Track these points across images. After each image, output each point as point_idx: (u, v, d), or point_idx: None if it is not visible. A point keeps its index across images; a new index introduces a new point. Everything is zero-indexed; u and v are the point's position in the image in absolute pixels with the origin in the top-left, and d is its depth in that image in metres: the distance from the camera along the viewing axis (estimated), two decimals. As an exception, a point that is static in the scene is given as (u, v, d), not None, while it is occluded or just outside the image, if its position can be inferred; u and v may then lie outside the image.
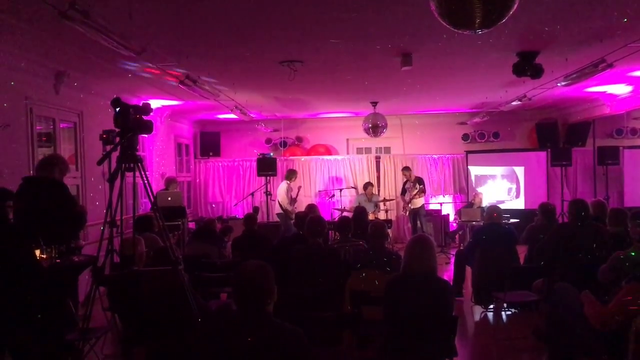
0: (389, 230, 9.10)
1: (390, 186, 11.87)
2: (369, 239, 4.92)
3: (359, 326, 3.97)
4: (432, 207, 11.28)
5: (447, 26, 3.31)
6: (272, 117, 11.70)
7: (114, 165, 3.75)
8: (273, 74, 6.87)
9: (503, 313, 6.14)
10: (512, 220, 8.78)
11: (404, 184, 10.63)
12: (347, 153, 12.80)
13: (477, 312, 6.23)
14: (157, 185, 9.38)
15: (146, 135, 8.40)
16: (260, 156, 11.03)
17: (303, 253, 4.62)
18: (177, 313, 3.59)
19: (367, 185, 10.73)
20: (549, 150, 11.16)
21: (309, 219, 4.89)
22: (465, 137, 12.35)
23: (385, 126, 9.73)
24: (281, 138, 12.41)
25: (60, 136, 6.70)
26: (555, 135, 11.74)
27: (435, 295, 3.49)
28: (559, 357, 4.07)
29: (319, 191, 11.90)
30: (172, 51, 5.60)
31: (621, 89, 8.99)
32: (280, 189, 10.40)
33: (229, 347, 2.37)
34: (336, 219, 9.26)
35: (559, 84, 7.14)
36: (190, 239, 7.35)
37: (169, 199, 8.76)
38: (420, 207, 10.37)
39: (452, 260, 8.42)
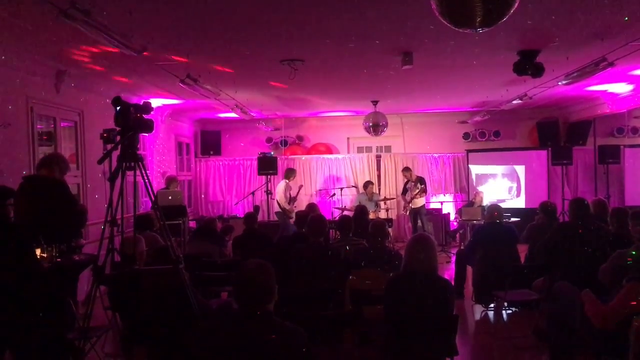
0: (390, 229, 9.11)
1: (390, 185, 11.87)
2: (369, 238, 4.92)
3: (359, 325, 3.97)
4: (432, 206, 11.28)
5: (448, 25, 3.31)
6: (273, 116, 11.70)
7: (114, 164, 3.75)
8: (274, 73, 6.87)
9: (504, 312, 6.14)
10: (512, 219, 8.78)
11: (405, 183, 10.63)
12: (348, 152, 12.79)
13: (478, 311, 6.23)
14: (158, 184, 9.39)
15: (147, 134, 8.40)
16: (261, 155, 11.03)
17: (304, 252, 4.62)
18: (177, 312, 3.59)
19: (367, 184, 10.73)
20: (550, 149, 11.16)
21: (311, 218, 4.90)
22: (466, 135, 12.34)
23: (385, 125, 9.73)
24: (282, 137, 12.41)
25: (61, 135, 6.70)
26: (556, 134, 11.74)
27: (435, 294, 3.49)
28: (560, 356, 4.07)
29: (320, 190, 11.90)
30: (172, 50, 5.60)
31: (622, 88, 8.98)
32: (279, 188, 10.40)
33: (230, 346, 2.37)
34: (337, 218, 9.27)
35: (559, 83, 7.14)
36: (191, 237, 7.35)
37: (170, 198, 8.77)
38: (421, 206, 10.37)
39: (453, 259, 8.42)
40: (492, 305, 6.18)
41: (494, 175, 11.68)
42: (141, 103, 3.84)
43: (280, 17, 4.69)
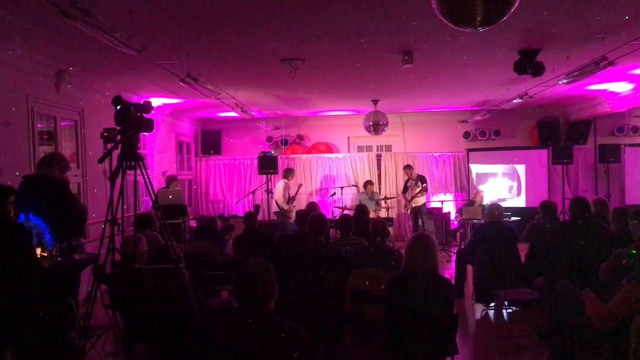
0: (390, 228, 9.12)
1: (391, 184, 11.87)
2: (370, 237, 4.92)
3: (359, 324, 3.97)
4: (433, 205, 11.28)
5: (448, 24, 3.31)
6: (273, 115, 11.70)
7: (114, 163, 3.75)
8: (274, 72, 6.87)
9: (504, 311, 6.13)
10: (513, 218, 8.77)
11: (406, 181, 10.63)
12: (348, 151, 12.79)
13: (478, 310, 6.23)
14: (158, 183, 9.39)
15: (147, 134, 8.39)
16: (261, 154, 11.03)
17: (304, 251, 4.61)
18: (178, 311, 3.59)
19: (367, 183, 10.74)
20: (550, 148, 11.16)
21: (311, 217, 4.89)
22: (466, 135, 12.33)
23: (386, 124, 9.73)
24: (282, 136, 12.41)
25: (61, 134, 6.70)
26: (557, 133, 11.74)
27: (436, 293, 3.49)
28: (560, 354, 4.07)
29: (320, 189, 11.90)
30: (173, 49, 5.60)
31: (622, 87, 8.98)
32: (278, 188, 10.40)
33: (230, 345, 2.37)
34: (337, 217, 9.26)
35: (560, 82, 7.13)
36: (192, 237, 7.35)
37: (170, 197, 8.78)
38: (421, 205, 10.38)
39: (453, 258, 8.42)
40: (492, 304, 6.18)
41: (494, 175, 11.68)
42: (141, 102, 3.84)
43: (280, 16, 4.69)
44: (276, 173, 10.96)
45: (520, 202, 11.36)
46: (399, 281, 3.60)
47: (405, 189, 10.57)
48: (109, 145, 3.89)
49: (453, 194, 11.98)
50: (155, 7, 4.37)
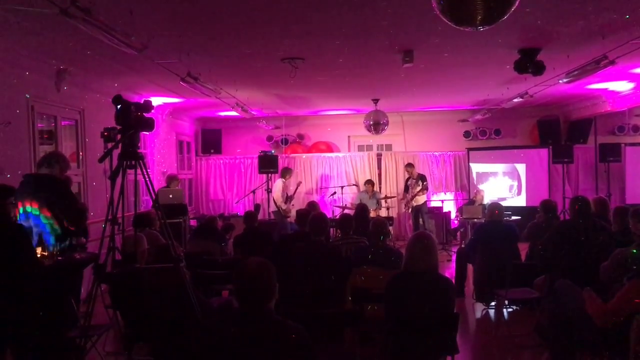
0: (391, 228, 9.12)
1: (391, 183, 11.87)
2: (370, 237, 4.91)
3: (360, 324, 3.96)
4: (433, 204, 11.28)
5: (449, 23, 3.31)
6: (274, 115, 11.69)
7: (115, 162, 3.75)
8: (274, 71, 6.86)
9: (504, 310, 6.12)
10: (513, 218, 8.78)
11: (407, 180, 10.63)
12: (349, 150, 12.79)
13: (479, 309, 6.23)
14: (159, 182, 9.40)
15: (147, 133, 8.40)
16: (262, 153, 11.03)
17: (304, 250, 4.61)
18: (178, 310, 3.60)
19: (366, 183, 10.74)
20: (551, 147, 11.15)
21: (312, 217, 4.89)
22: (466, 134, 12.33)
23: (386, 123, 9.72)
24: (282, 135, 12.41)
25: (62, 134, 6.70)
26: (557, 133, 11.73)
27: (436, 293, 3.49)
28: (561, 354, 4.07)
29: (320, 188, 11.90)
30: (173, 48, 5.60)
31: (623, 86, 8.97)
32: (275, 187, 10.39)
33: (231, 344, 2.37)
34: (337, 216, 9.27)
35: (560, 81, 7.13)
36: (192, 236, 7.36)
37: (171, 196, 8.78)
38: (422, 204, 10.37)
39: (454, 257, 8.42)
40: (492, 303, 6.18)
41: (494, 174, 11.68)
42: (142, 101, 3.84)
43: (281, 15, 4.68)
44: (276, 172, 10.95)
45: (521, 201, 11.36)
46: (399, 280, 3.60)
47: (406, 188, 10.57)
48: (110, 145, 3.89)
49: (453, 193, 11.98)
50: (155, 6, 4.37)
